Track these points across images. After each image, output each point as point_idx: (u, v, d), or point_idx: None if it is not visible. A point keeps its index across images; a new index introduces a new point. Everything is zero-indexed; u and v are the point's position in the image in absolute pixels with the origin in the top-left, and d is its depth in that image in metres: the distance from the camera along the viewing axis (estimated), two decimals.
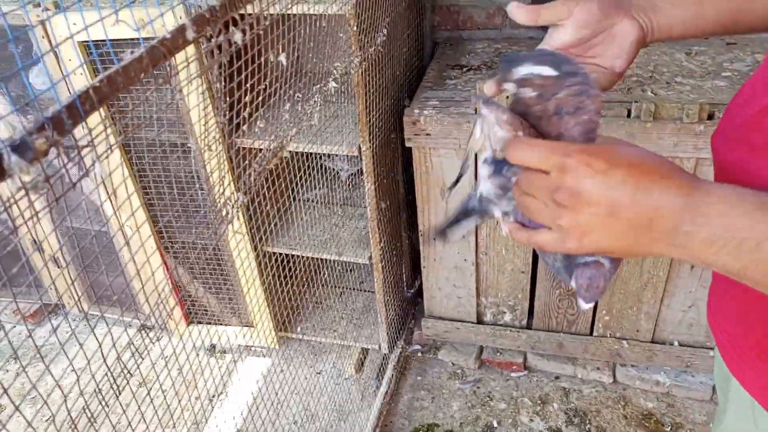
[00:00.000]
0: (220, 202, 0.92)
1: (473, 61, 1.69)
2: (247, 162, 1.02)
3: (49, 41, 1.32)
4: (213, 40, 0.71)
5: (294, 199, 1.83)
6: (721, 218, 0.45)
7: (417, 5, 1.71)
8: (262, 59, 0.92)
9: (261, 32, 0.85)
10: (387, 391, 1.80)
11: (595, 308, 1.70)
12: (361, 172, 1.52)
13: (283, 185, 1.70)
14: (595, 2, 0.65)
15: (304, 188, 1.88)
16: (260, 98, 0.93)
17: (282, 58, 0.88)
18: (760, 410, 0.63)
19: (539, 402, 1.79)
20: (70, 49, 1.37)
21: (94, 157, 0.60)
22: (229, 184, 1.04)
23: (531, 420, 1.74)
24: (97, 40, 1.23)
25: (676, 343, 1.68)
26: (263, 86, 0.86)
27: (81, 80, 1.35)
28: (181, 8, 1.23)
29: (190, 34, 0.66)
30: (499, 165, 0.58)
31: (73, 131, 0.54)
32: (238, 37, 0.73)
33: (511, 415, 1.76)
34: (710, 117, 1.27)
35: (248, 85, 0.89)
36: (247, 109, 0.91)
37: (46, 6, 1.32)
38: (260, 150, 1.01)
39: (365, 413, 1.78)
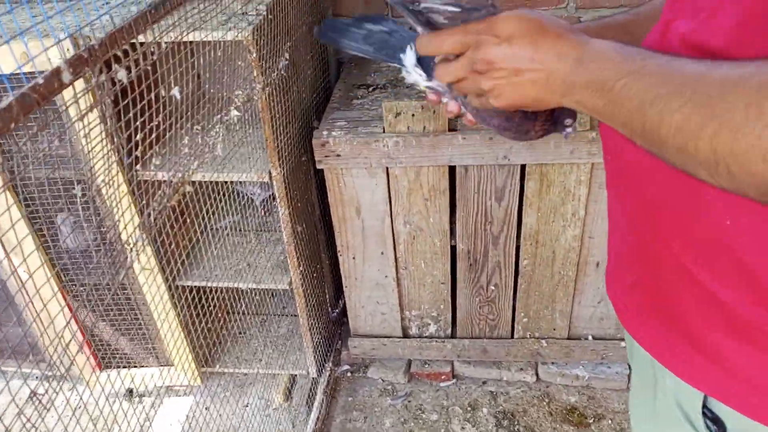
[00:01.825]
0: (118, 245, 0.86)
1: (378, 80, 1.71)
2: (144, 201, 0.97)
3: None
4: (93, 80, 0.67)
5: (206, 229, 1.77)
6: (594, 67, 0.53)
7: None
8: (155, 92, 0.88)
9: (151, 65, 0.82)
10: (318, 417, 1.77)
11: (513, 312, 1.75)
12: (274, 197, 1.49)
13: (193, 215, 1.63)
14: None
15: (217, 217, 1.82)
16: (156, 133, 0.88)
17: (175, 92, 0.84)
18: (657, 365, 0.66)
19: (469, 409, 1.82)
20: None
21: None
22: (126, 225, 0.98)
23: (462, 428, 1.77)
24: None
25: (590, 338, 1.77)
26: (156, 122, 0.82)
27: None
28: (68, 42, 1.16)
29: (67, 77, 0.62)
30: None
31: None
32: (122, 74, 0.70)
33: (443, 425, 1.78)
34: None
35: (141, 120, 0.85)
36: (142, 145, 0.86)
37: None
38: (160, 186, 0.96)
39: None
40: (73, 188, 1.39)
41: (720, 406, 0.60)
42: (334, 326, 2.01)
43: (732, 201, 0.49)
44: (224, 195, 1.65)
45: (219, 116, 1.07)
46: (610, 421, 1.74)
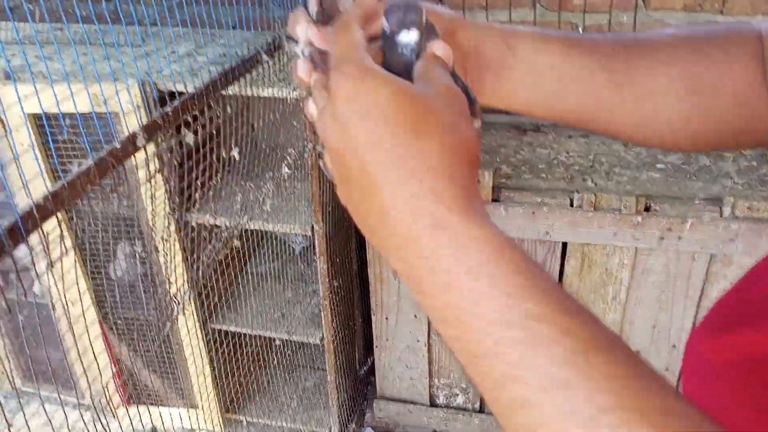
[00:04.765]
0: (166, 298, 0.89)
1: None
2: (195, 255, 1.00)
3: None
4: (163, 143, 0.71)
5: (245, 272, 1.80)
6: (457, 256, 0.30)
7: None
8: (215, 152, 0.92)
9: (215, 127, 0.86)
10: None
11: None
12: (314, 247, 1.52)
13: (235, 259, 1.67)
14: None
15: (256, 261, 1.85)
16: (208, 188, 0.92)
17: (235, 152, 0.89)
18: None
19: None
20: (19, 122, 1.35)
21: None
22: (176, 278, 1.02)
23: None
24: (49, 113, 1.22)
25: None
26: (211, 181, 0.86)
27: (30, 161, 1.32)
28: (135, 85, 1.24)
29: (141, 142, 0.66)
30: None
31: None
32: (189, 138, 0.74)
33: None
34: (647, 209, 1.33)
35: (192, 177, 0.89)
36: (189, 201, 0.90)
37: None
38: (210, 241, 1.00)
39: None
40: (130, 225, 1.45)
41: None
42: (360, 385, 1.98)
43: None
44: (264, 241, 1.69)
45: (271, 174, 1.12)
46: None
